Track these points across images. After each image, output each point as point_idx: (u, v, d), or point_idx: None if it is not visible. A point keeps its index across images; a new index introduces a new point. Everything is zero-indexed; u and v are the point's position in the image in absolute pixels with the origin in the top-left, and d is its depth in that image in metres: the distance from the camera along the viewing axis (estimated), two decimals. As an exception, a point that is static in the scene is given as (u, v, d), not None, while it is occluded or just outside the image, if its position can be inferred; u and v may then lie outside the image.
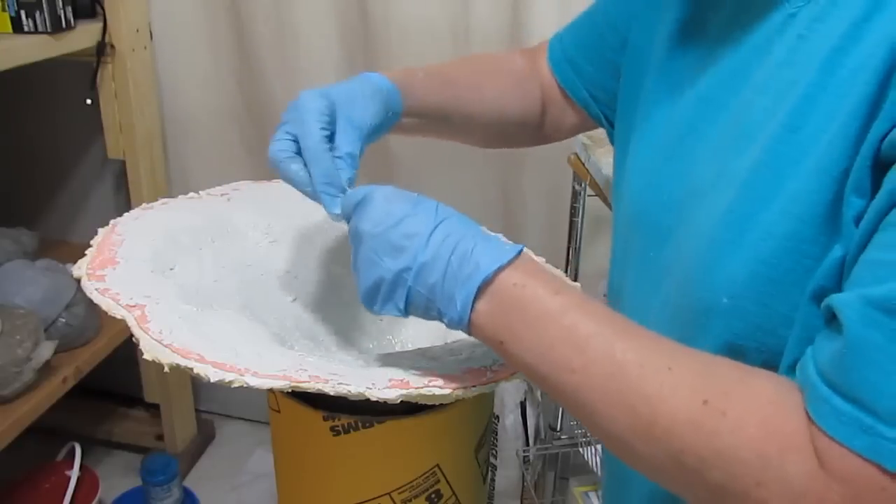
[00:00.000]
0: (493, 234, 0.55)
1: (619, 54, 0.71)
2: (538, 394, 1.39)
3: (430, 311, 0.52)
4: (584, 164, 1.19)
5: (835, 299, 0.41)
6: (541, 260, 0.80)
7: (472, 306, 0.50)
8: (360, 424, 0.63)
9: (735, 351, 0.49)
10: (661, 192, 0.58)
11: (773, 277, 0.46)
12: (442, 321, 0.52)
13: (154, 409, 1.68)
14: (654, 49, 0.64)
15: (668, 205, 0.57)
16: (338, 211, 0.61)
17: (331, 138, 0.63)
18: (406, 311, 0.53)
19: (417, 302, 0.52)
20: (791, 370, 0.45)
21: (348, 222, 0.56)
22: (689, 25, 0.60)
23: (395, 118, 0.69)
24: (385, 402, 0.54)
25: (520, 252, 0.51)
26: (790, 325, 0.46)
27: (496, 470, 1.35)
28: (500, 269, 0.49)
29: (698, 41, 0.59)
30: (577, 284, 0.77)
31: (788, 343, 0.46)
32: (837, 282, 0.43)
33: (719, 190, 0.51)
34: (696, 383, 0.43)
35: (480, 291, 0.50)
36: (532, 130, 0.82)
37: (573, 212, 1.33)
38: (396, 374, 0.56)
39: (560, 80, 0.77)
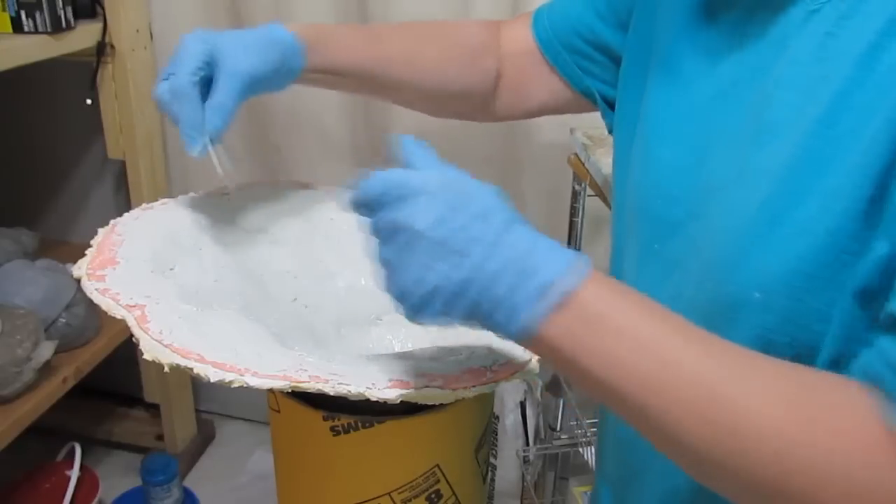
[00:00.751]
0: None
1: (616, 35, 0.71)
2: (538, 394, 1.39)
3: (488, 322, 0.47)
4: (584, 164, 1.19)
5: None
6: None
7: (543, 321, 0.45)
8: (360, 424, 0.63)
9: (765, 345, 0.49)
10: (669, 186, 0.58)
11: (810, 273, 0.46)
12: (497, 332, 0.48)
13: (154, 409, 1.68)
14: (660, 39, 0.64)
15: (677, 198, 0.57)
16: (195, 154, 0.64)
17: (210, 83, 0.64)
18: (460, 322, 0.48)
19: (476, 314, 0.47)
20: (831, 367, 0.46)
21: (370, 209, 0.49)
22: (700, 18, 0.60)
23: (294, 74, 0.69)
24: (385, 402, 0.54)
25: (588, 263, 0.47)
26: (823, 321, 0.46)
27: (496, 470, 1.35)
28: (574, 282, 0.45)
29: (710, 34, 0.59)
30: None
31: (826, 340, 0.46)
32: (883, 280, 0.43)
33: (743, 185, 0.51)
34: (791, 398, 0.42)
35: (552, 305, 0.45)
36: (478, 105, 0.81)
37: (573, 212, 1.33)
38: (396, 374, 0.56)
39: (549, 57, 0.77)
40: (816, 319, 0.47)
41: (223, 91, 0.64)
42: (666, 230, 0.58)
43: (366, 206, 0.50)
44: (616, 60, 0.72)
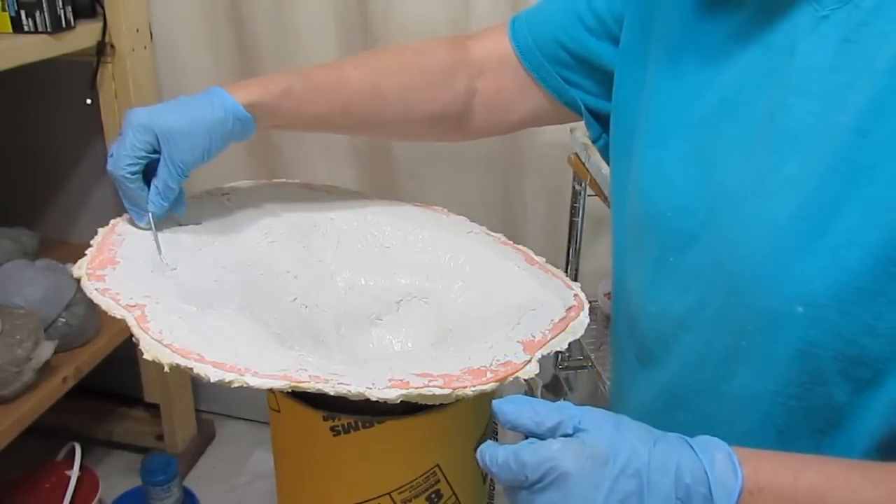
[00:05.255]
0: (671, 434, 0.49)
1: (604, 47, 0.70)
2: (538, 394, 1.39)
3: None
4: (584, 164, 1.19)
5: None
6: (541, 260, 0.80)
7: None
8: (360, 424, 0.63)
9: (808, 359, 0.49)
10: (678, 196, 0.57)
11: (859, 286, 0.46)
12: None
13: (154, 409, 1.68)
14: (658, 48, 0.63)
15: (689, 209, 0.56)
16: (143, 224, 0.69)
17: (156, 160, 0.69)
18: None
19: None
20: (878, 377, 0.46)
21: (518, 486, 0.48)
22: (700, 25, 0.59)
23: (247, 136, 0.72)
24: (385, 402, 0.54)
25: (731, 452, 0.46)
26: (871, 334, 0.46)
27: (496, 470, 1.34)
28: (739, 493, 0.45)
29: (711, 41, 0.58)
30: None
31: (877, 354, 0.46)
32: None
33: (767, 195, 0.50)
34: None
35: None
36: (453, 126, 0.79)
37: (573, 212, 1.33)
38: (396, 374, 0.56)
39: (531, 69, 0.74)
40: (864, 333, 0.46)
41: (167, 177, 0.68)
42: (680, 242, 0.57)
43: (512, 481, 0.49)
44: (602, 71, 0.71)
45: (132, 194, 0.69)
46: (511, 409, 0.49)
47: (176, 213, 0.72)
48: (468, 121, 0.79)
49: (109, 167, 0.69)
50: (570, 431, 0.47)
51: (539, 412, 0.48)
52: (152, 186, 0.69)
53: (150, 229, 0.70)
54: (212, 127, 0.68)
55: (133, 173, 0.69)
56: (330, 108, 0.75)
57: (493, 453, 0.49)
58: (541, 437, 0.48)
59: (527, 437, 0.49)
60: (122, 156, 0.68)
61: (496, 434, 1.27)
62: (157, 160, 0.69)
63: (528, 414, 0.49)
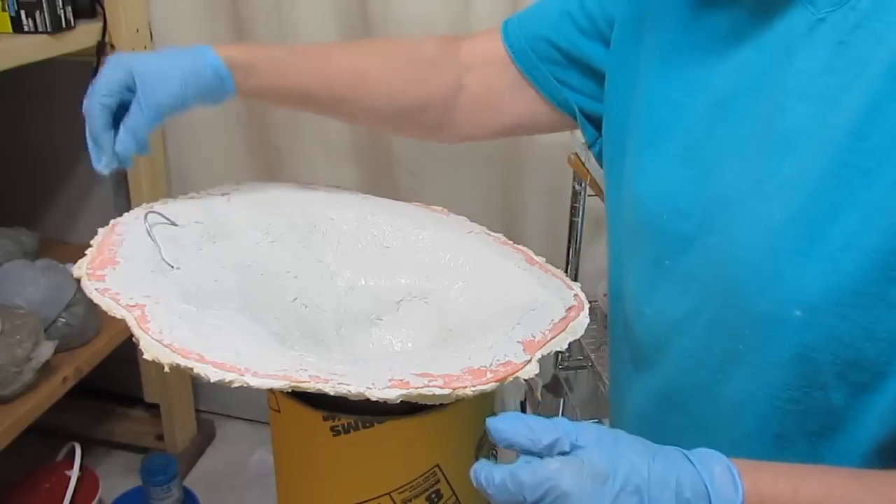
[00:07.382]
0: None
1: (596, 47, 0.69)
2: (538, 394, 1.39)
3: None
4: (584, 164, 1.19)
5: None
6: (541, 260, 0.80)
7: None
8: (360, 424, 0.63)
9: (805, 363, 0.48)
10: (675, 199, 0.57)
11: (857, 290, 0.46)
12: None
13: (154, 409, 1.68)
14: (649, 49, 0.62)
15: (685, 212, 0.56)
16: (100, 167, 0.70)
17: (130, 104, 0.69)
18: None
19: None
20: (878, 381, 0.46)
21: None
22: (692, 23, 0.59)
23: (225, 96, 0.72)
24: (385, 402, 0.54)
25: (732, 466, 0.46)
26: (869, 339, 0.46)
27: (496, 470, 1.34)
28: None
29: (703, 43, 0.57)
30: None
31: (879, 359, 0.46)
32: None
33: (764, 198, 0.50)
34: None
35: None
36: (435, 121, 0.79)
37: (573, 212, 1.33)
38: (396, 374, 0.56)
39: (523, 68, 0.74)
40: (862, 337, 0.46)
41: (136, 118, 0.69)
42: (676, 245, 0.57)
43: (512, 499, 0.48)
44: (595, 73, 0.71)
45: (98, 131, 0.69)
46: (506, 426, 0.48)
47: (140, 155, 0.72)
48: (453, 117, 0.78)
49: (85, 106, 0.70)
50: (567, 449, 0.46)
51: (534, 429, 0.47)
52: (122, 125, 0.69)
53: (106, 171, 0.71)
54: (187, 73, 0.69)
55: (104, 105, 0.69)
56: (310, 80, 0.75)
57: (488, 474, 0.48)
58: (537, 455, 0.47)
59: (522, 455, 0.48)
60: (99, 87, 0.69)
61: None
62: (130, 102, 0.69)
63: (523, 431, 0.47)
